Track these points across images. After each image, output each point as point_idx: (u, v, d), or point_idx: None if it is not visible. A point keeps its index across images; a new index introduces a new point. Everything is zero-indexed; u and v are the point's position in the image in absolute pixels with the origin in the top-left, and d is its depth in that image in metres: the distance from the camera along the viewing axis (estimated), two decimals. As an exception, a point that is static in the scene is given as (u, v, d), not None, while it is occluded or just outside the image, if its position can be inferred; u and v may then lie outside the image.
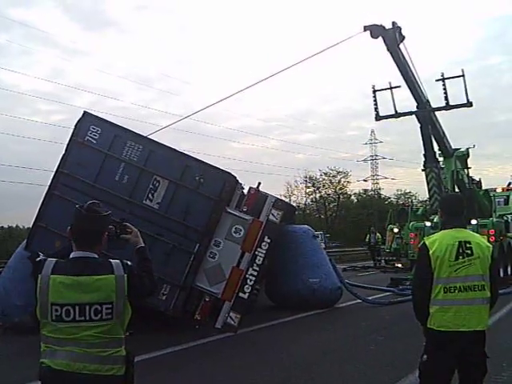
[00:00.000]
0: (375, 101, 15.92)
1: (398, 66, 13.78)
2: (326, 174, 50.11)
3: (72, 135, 9.42)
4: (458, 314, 3.76)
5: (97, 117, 9.78)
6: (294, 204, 41.39)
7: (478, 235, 4.19)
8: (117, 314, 2.70)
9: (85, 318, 2.65)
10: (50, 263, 2.74)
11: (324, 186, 50.92)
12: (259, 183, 9.55)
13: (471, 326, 3.76)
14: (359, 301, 12.29)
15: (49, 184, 9.44)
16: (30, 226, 9.89)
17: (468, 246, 3.82)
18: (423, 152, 14.91)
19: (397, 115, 15.84)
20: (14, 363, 7.44)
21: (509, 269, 16.30)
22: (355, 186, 56.23)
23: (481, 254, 3.83)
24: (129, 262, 2.81)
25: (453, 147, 16.58)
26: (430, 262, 3.78)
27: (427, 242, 3.88)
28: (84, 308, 2.65)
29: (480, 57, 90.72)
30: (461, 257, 3.79)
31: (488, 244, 3.99)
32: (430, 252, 3.80)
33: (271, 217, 9.26)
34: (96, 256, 2.79)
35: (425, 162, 14.96)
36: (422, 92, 14.65)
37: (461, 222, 4.03)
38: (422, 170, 15.15)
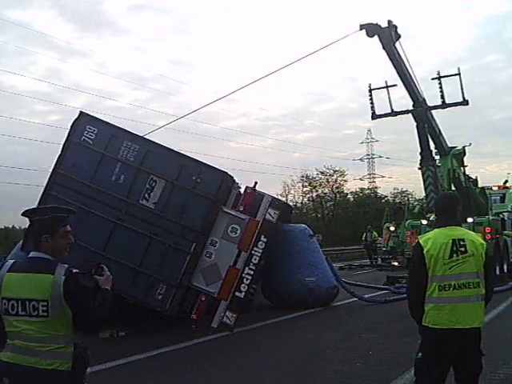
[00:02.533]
0: (371, 99, 15.92)
1: (393, 64, 13.82)
2: (322, 172, 49.93)
3: (68, 135, 9.43)
4: (453, 311, 3.77)
5: (93, 117, 9.78)
6: (291, 203, 41.35)
7: (472, 233, 4.18)
8: (53, 313, 2.79)
9: (26, 313, 2.81)
10: (8, 263, 2.96)
11: (321, 184, 50.72)
12: (256, 182, 9.58)
13: (466, 324, 3.77)
14: (355, 299, 12.32)
15: (45, 184, 9.44)
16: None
17: (462, 243, 3.83)
18: (419, 151, 14.95)
19: (393, 114, 15.86)
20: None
21: (505, 266, 16.36)
22: (352, 185, 56.01)
23: (475, 251, 3.84)
24: (74, 270, 2.90)
25: (449, 145, 16.58)
26: (424, 260, 3.80)
27: (421, 241, 3.90)
28: (25, 303, 2.81)
29: (476, 55, 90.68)
30: (455, 255, 3.80)
31: (482, 241, 4.00)
32: (424, 250, 3.81)
33: (268, 216, 9.28)
34: (48, 257, 2.90)
35: (421, 160, 14.99)
36: (418, 90, 14.69)
37: (455, 220, 4.04)
38: (419, 169, 15.15)
